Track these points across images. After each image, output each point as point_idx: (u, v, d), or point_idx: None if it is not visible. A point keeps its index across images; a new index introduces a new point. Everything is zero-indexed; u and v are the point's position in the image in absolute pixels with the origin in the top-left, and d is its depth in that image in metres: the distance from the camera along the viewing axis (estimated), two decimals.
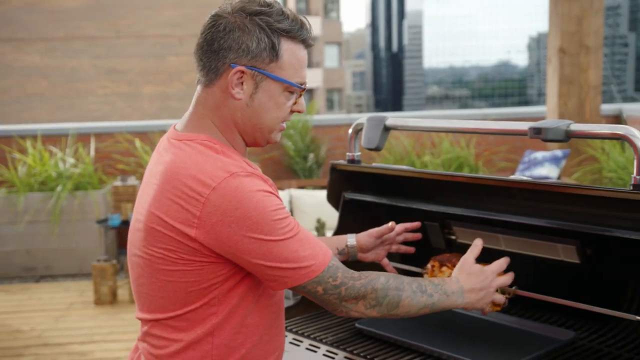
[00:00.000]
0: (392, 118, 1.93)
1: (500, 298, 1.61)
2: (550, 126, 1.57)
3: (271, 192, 1.37)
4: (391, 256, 2.13)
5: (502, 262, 1.63)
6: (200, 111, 1.44)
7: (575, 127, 1.56)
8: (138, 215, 1.44)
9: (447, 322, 1.62)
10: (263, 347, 1.45)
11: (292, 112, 1.47)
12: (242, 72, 1.39)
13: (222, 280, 1.38)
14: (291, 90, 1.44)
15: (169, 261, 1.37)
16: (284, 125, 1.48)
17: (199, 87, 1.45)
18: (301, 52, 1.43)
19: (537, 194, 1.69)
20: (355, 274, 1.43)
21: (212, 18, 1.42)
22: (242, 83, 1.40)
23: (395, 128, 1.93)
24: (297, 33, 1.41)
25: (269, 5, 1.41)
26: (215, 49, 1.39)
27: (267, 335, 1.46)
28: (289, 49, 1.41)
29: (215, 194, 1.31)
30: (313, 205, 5.76)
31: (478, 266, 1.60)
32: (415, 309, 1.47)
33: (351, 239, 1.86)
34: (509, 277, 1.62)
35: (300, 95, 1.47)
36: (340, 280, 1.40)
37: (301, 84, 1.44)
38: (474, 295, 1.55)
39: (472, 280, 1.57)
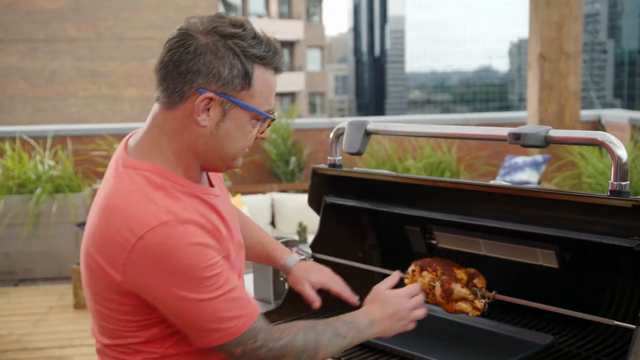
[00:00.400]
0: (373, 123, 1.93)
1: (421, 313, 1.59)
2: (529, 132, 1.58)
3: (205, 245, 1.28)
4: (371, 260, 2.13)
5: (414, 285, 1.63)
6: (155, 133, 1.35)
7: (554, 133, 1.57)
8: (83, 242, 1.37)
9: (426, 327, 1.63)
10: None
11: (256, 138, 1.40)
12: (211, 98, 1.30)
13: (161, 320, 1.33)
14: (259, 119, 1.37)
15: (104, 299, 1.33)
16: (247, 150, 1.40)
17: (156, 106, 1.35)
18: (272, 78, 1.36)
19: (517, 199, 1.71)
20: (276, 333, 1.37)
21: (180, 36, 1.31)
22: (208, 109, 1.31)
23: (376, 133, 1.93)
24: (271, 60, 1.34)
25: (242, 26, 1.31)
26: (183, 71, 1.29)
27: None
28: (261, 76, 1.33)
29: (141, 244, 1.24)
30: (294, 209, 5.76)
31: (388, 292, 1.59)
32: (332, 353, 1.44)
33: (291, 261, 1.79)
34: (421, 297, 1.61)
35: (269, 125, 1.40)
36: (261, 343, 1.34)
37: (269, 112, 1.37)
38: (386, 322, 1.53)
39: (382, 308, 1.54)
